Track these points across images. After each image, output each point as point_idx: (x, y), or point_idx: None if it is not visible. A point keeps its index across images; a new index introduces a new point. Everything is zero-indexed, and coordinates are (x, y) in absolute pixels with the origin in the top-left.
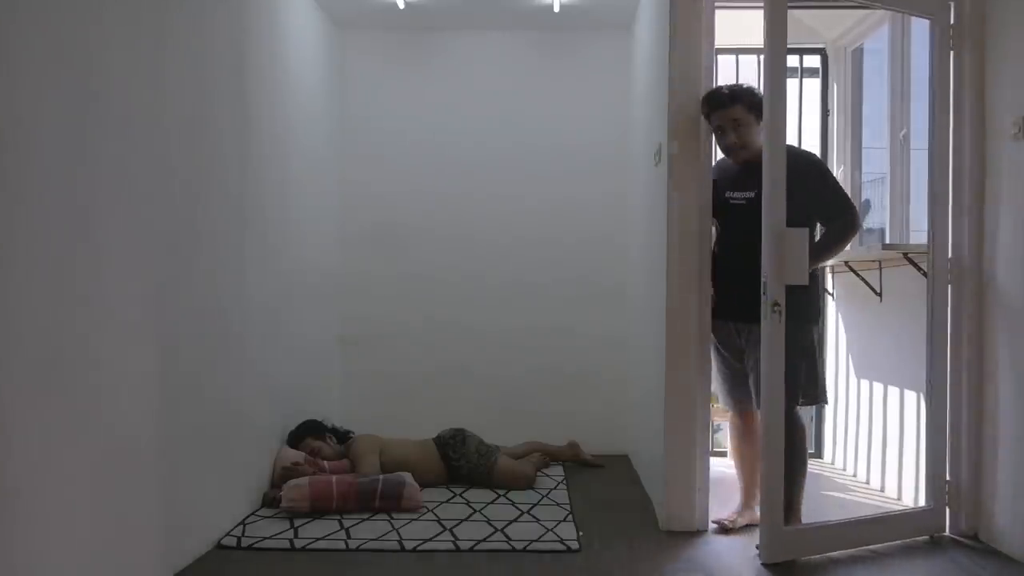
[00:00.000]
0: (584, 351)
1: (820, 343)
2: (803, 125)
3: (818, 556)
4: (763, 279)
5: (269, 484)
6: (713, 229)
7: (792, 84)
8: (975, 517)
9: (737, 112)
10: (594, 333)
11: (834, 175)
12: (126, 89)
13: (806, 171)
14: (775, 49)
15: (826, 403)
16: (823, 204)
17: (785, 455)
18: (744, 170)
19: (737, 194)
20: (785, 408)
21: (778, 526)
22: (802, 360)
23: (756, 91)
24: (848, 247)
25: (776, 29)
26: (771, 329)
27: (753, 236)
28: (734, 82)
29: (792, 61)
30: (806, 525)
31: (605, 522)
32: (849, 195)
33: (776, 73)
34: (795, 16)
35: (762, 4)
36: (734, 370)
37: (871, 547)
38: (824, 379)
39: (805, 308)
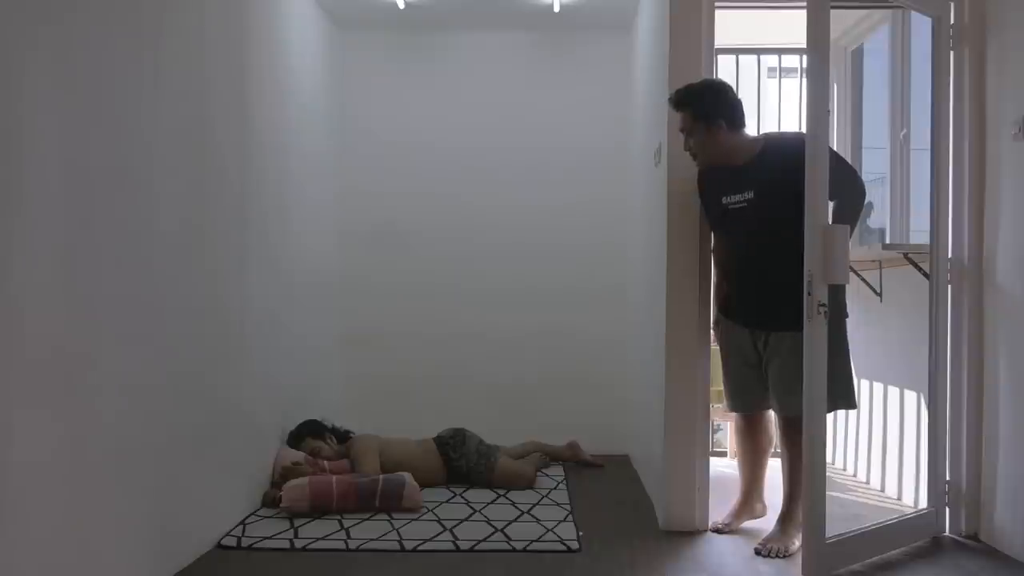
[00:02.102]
0: (584, 351)
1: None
2: (803, 125)
3: (843, 570)
4: (806, 279)
5: (269, 484)
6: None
7: (792, 84)
8: (975, 518)
9: (683, 120)
10: (594, 333)
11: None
12: (126, 89)
13: (798, 154)
14: (817, 51)
15: (856, 407)
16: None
17: (799, 459)
18: (735, 172)
19: (735, 197)
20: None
21: (821, 542)
22: (834, 362)
23: (710, 94)
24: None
25: (818, 30)
26: (815, 331)
27: (761, 238)
28: (704, 79)
29: (792, 61)
30: (838, 537)
31: (605, 522)
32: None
33: (818, 75)
34: (796, 16)
35: (762, 4)
36: (745, 372)
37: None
38: (854, 382)
39: (834, 304)
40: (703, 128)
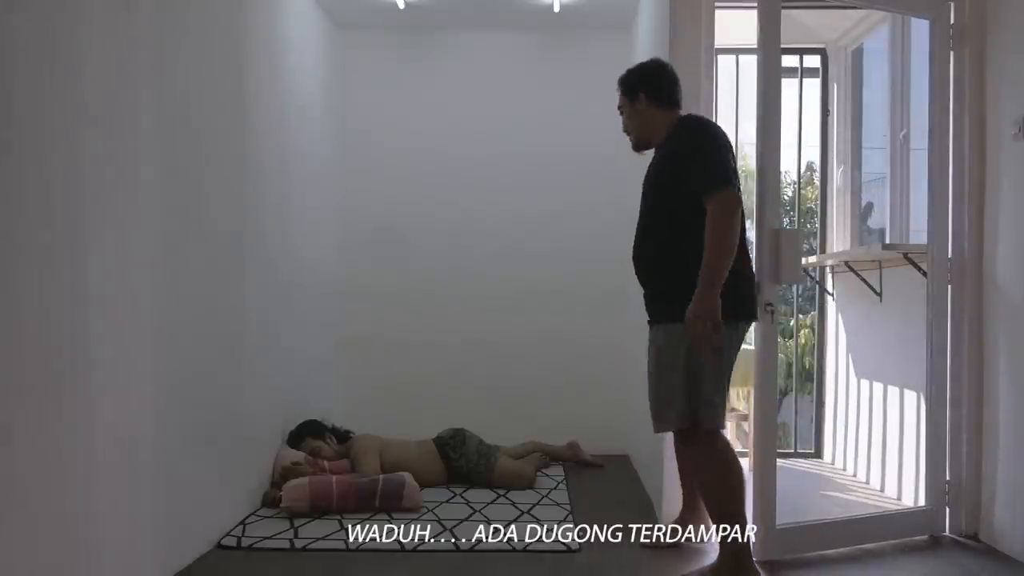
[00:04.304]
0: (585, 352)
1: (727, 350)
2: (803, 125)
3: (813, 554)
4: (756, 279)
5: (269, 484)
6: None
7: (792, 84)
8: (975, 517)
9: (620, 99)
10: (595, 334)
11: (715, 141)
12: (126, 89)
13: (684, 136)
14: (768, 50)
15: (721, 428)
16: (689, 172)
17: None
18: (655, 154)
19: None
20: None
21: (772, 524)
22: (681, 370)
23: (637, 71)
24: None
25: (769, 29)
26: (765, 330)
27: (643, 221)
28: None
29: (792, 61)
30: (801, 523)
31: (605, 522)
32: (724, 167)
33: (771, 74)
34: (794, 16)
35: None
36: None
37: (868, 546)
38: (715, 398)
39: (679, 302)
40: (629, 103)
